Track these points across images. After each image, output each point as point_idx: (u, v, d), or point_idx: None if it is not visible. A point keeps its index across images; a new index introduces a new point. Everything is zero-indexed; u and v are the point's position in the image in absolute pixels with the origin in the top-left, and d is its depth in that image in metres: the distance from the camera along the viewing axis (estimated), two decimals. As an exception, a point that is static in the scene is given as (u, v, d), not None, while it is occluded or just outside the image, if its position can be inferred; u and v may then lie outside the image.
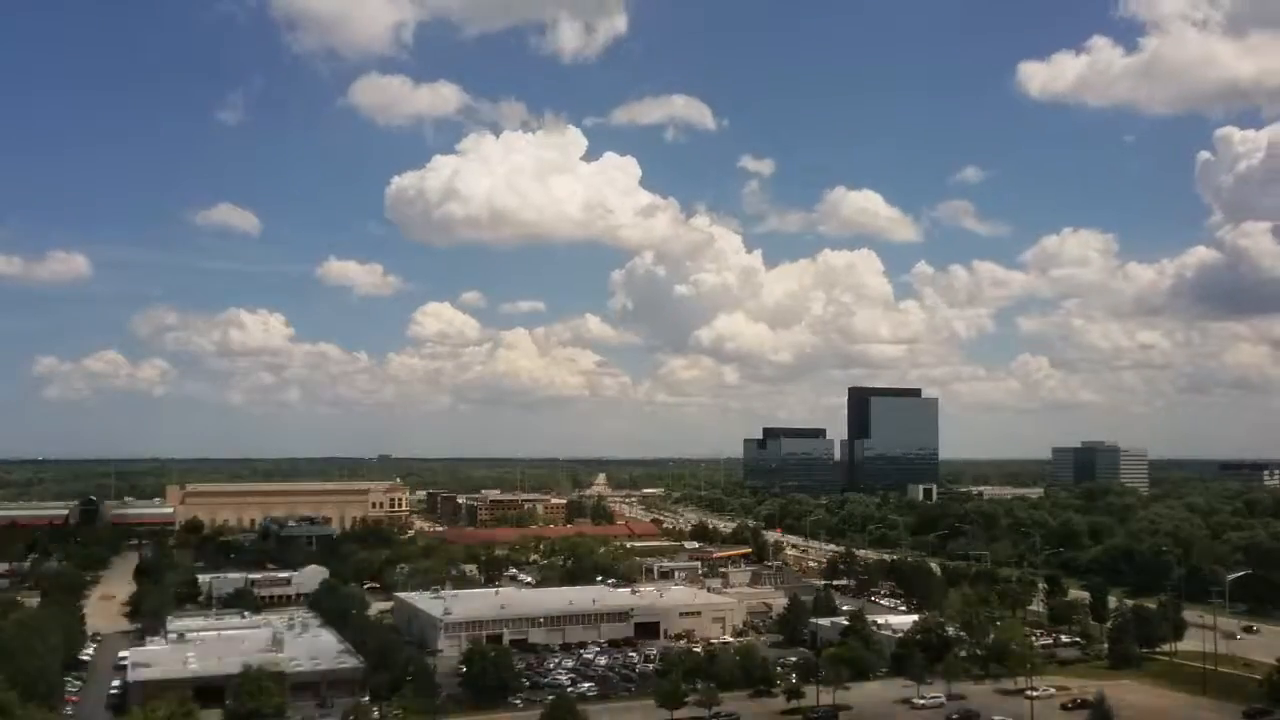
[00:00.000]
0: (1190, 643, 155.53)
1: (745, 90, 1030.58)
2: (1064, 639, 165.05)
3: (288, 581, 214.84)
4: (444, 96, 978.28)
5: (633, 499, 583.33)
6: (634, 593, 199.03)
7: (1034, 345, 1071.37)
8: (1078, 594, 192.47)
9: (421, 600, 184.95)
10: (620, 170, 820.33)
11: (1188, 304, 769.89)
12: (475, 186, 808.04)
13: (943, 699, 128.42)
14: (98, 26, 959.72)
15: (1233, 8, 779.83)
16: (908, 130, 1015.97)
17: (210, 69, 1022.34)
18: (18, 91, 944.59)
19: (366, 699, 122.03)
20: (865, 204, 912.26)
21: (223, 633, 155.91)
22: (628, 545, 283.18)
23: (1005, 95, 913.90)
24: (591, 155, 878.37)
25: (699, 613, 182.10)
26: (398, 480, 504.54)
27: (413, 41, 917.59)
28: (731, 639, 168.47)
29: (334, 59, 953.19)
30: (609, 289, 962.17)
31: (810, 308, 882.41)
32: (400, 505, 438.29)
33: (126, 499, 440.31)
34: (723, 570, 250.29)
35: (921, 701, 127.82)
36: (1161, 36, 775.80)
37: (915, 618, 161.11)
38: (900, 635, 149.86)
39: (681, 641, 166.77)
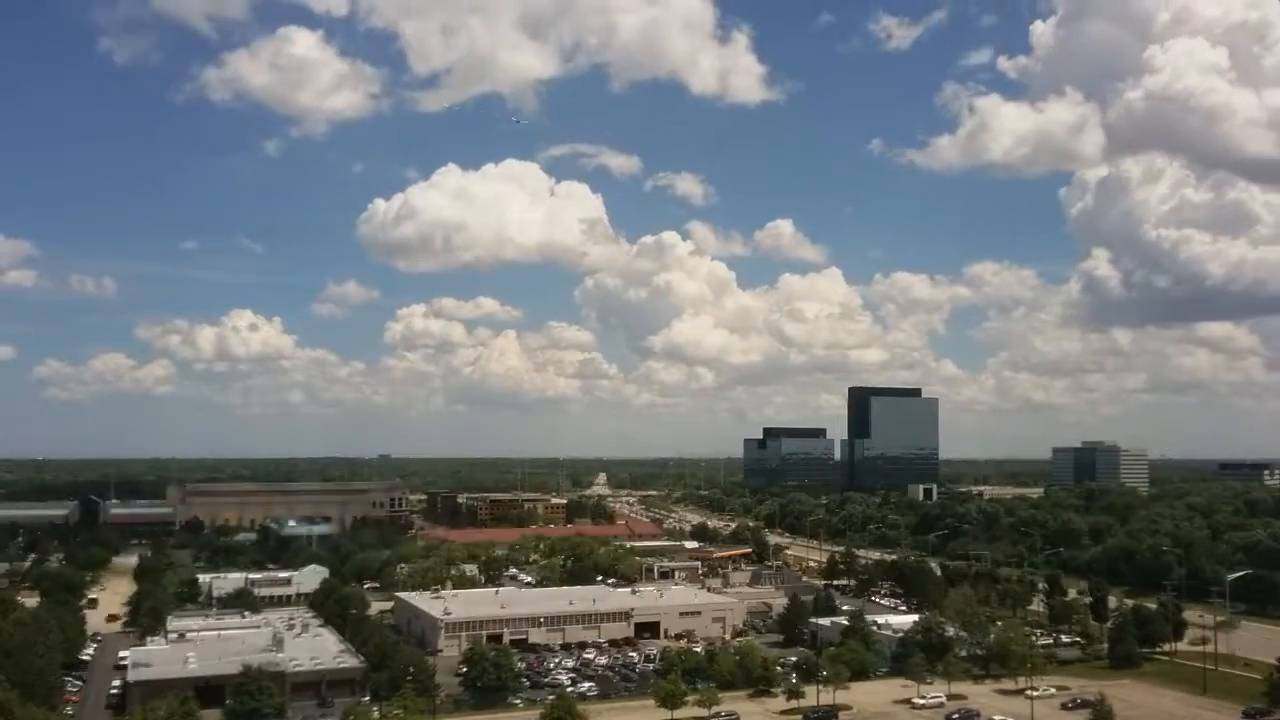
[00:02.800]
0: (1190, 642, 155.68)
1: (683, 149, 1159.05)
2: (1064, 639, 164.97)
3: (288, 581, 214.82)
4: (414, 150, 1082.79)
5: (633, 499, 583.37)
6: (634, 593, 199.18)
7: (998, 351, 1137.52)
8: (1078, 594, 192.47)
9: (421, 600, 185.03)
10: (584, 199, 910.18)
11: (1113, 316, 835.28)
12: (451, 211, 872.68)
13: (943, 699, 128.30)
14: (137, 100, 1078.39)
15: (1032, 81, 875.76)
16: (811, 181, 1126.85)
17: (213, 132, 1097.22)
18: (66, 137, 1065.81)
19: (366, 699, 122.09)
20: (793, 235, 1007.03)
21: (223, 633, 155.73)
22: (628, 545, 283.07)
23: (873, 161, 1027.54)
24: (555, 187, 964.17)
25: (699, 613, 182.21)
26: (398, 480, 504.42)
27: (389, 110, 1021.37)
28: (731, 639, 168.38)
29: (323, 122, 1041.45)
30: (593, 300, 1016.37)
31: (776, 318, 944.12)
32: (400, 505, 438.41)
33: (127, 499, 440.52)
34: (723, 570, 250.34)
35: (921, 701, 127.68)
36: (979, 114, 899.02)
37: (915, 618, 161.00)
38: (900, 635, 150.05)
39: (681, 641, 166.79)
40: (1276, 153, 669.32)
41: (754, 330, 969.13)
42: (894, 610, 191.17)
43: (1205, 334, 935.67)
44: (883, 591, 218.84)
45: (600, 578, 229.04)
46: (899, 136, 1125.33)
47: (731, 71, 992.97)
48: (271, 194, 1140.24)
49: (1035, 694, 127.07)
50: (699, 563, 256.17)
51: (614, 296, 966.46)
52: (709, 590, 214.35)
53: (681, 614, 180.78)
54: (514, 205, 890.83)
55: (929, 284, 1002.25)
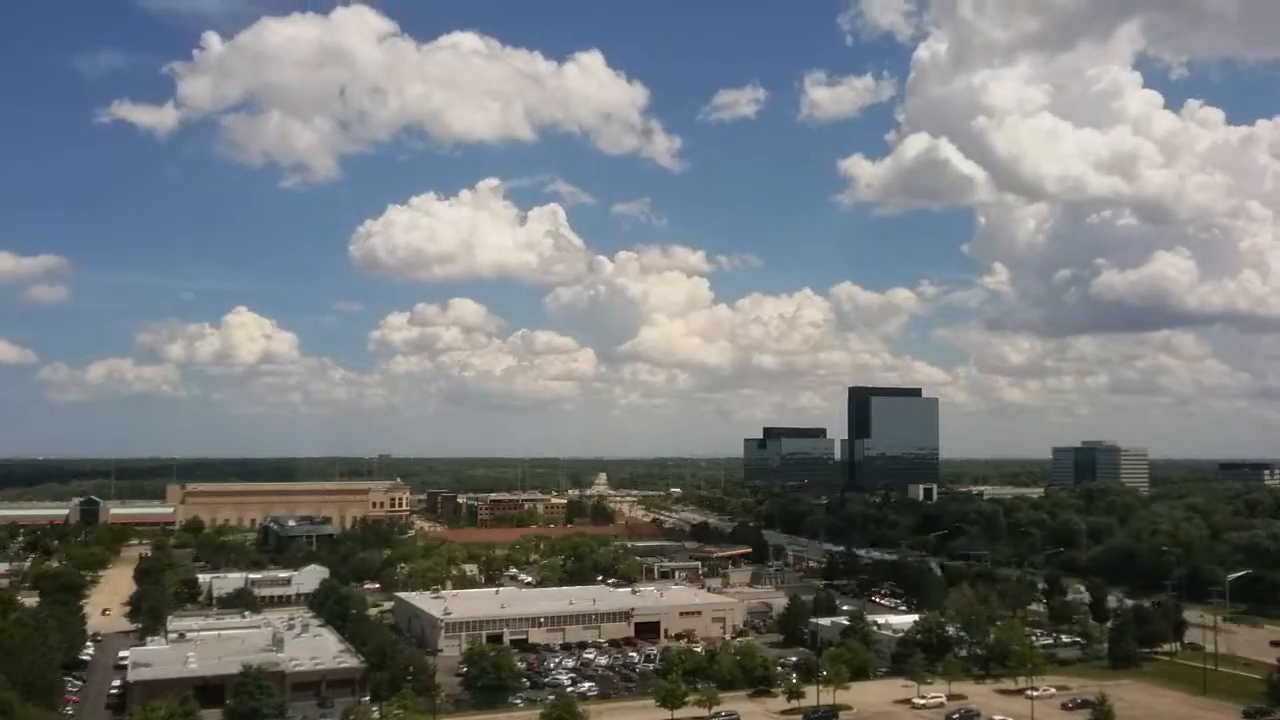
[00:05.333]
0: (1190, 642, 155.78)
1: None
2: (1064, 639, 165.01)
3: (288, 581, 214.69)
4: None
5: (633, 499, 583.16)
6: (634, 593, 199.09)
7: (967, 358, 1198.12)
8: (1078, 594, 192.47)
9: (421, 600, 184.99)
10: (560, 222, 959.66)
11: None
12: (437, 230, 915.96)
13: (943, 699, 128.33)
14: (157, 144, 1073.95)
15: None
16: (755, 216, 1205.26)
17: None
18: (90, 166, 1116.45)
19: (366, 699, 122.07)
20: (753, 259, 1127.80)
21: (223, 633, 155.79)
22: (628, 545, 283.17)
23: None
24: (533, 211, 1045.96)
25: (699, 613, 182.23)
26: (398, 480, 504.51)
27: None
28: (731, 639, 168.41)
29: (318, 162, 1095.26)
30: (580, 309, 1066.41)
31: (756, 327, 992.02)
32: (400, 505, 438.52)
33: (127, 499, 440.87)
34: (723, 570, 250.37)
35: (921, 701, 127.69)
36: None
37: (915, 618, 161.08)
38: (900, 635, 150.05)
39: (681, 641, 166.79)
40: (1108, 185, 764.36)
41: (734, 338, 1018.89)
42: (894, 610, 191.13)
43: (1144, 341, 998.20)
44: (883, 591, 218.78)
45: (600, 578, 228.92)
46: (813, 187, 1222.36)
47: (654, 143, 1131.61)
48: (275, 213, 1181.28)
49: (1035, 694, 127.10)
50: (699, 563, 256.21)
51: (598, 305, 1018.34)
52: (709, 590, 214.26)
53: (681, 614, 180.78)
54: (501, 225, 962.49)
55: (887, 298, 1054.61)
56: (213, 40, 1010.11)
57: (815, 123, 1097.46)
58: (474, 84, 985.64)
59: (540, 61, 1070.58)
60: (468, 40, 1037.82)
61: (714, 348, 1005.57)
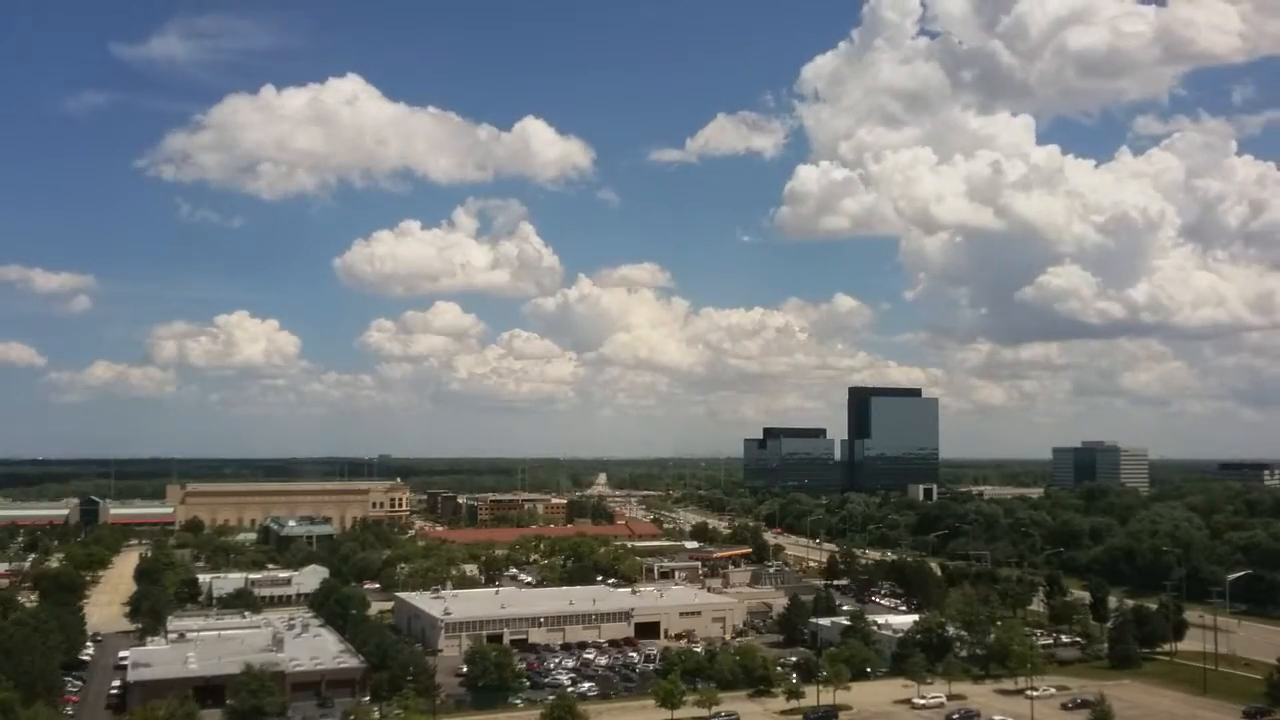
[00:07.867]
0: (1190, 643, 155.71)
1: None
2: (1064, 639, 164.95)
3: (288, 581, 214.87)
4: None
5: (633, 499, 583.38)
6: (634, 593, 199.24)
7: (939, 365, 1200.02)
8: (1078, 594, 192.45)
9: (421, 600, 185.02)
10: (527, 242, 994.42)
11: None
12: (428, 246, 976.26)
13: (943, 699, 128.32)
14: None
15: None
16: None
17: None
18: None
19: (366, 699, 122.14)
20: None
21: (223, 633, 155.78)
22: (628, 545, 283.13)
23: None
24: (518, 225, 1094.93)
25: (699, 613, 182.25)
26: (398, 480, 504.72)
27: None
28: (731, 639, 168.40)
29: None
30: (576, 316, 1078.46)
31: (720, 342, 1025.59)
32: (400, 505, 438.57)
33: (127, 499, 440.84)
34: (723, 570, 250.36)
35: (921, 701, 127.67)
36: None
37: (915, 618, 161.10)
38: (900, 635, 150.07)
39: (682, 641, 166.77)
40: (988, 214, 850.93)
41: (711, 345, 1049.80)
42: (894, 610, 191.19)
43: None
44: (883, 591, 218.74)
45: (600, 578, 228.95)
46: (751, 218, 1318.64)
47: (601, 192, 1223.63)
48: (276, 232, 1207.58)
49: (1035, 694, 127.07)
50: (699, 563, 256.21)
51: (575, 316, 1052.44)
52: (709, 590, 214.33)
53: (681, 614, 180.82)
54: (482, 246, 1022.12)
55: (834, 306, 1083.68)
56: (227, 99, 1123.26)
57: (739, 164, 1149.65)
58: (443, 139, 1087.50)
59: (495, 129, 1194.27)
60: (444, 115, 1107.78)
61: (692, 354, 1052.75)
